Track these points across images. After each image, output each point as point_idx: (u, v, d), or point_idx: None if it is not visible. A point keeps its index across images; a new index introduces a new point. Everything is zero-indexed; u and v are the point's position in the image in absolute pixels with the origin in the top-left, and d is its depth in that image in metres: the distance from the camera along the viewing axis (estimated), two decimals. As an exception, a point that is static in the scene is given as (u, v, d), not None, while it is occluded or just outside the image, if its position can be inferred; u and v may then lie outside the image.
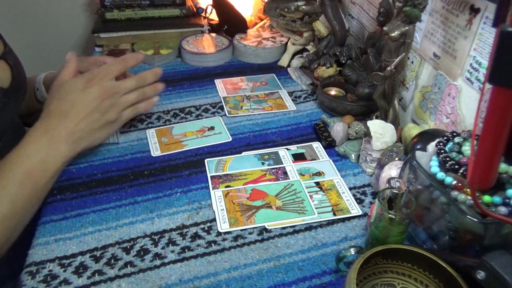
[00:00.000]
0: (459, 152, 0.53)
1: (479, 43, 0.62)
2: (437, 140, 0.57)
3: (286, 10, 1.09)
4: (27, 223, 0.63)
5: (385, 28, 0.71)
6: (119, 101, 0.71)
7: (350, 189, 0.70)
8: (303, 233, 0.62)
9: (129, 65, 0.75)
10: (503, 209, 0.47)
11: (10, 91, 0.70)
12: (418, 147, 0.65)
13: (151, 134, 0.83)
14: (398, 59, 0.71)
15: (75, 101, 0.67)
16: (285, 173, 0.73)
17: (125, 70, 0.75)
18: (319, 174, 0.73)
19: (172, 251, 0.59)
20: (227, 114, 0.89)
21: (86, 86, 0.69)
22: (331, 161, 0.76)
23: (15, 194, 0.59)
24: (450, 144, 0.55)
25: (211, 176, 0.72)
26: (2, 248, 0.59)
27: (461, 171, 0.51)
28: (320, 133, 0.81)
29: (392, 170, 0.64)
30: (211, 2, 1.19)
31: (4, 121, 0.69)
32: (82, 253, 0.59)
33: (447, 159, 0.53)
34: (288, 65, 1.08)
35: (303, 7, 1.09)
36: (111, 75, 0.71)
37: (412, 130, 0.73)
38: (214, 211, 0.65)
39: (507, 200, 0.48)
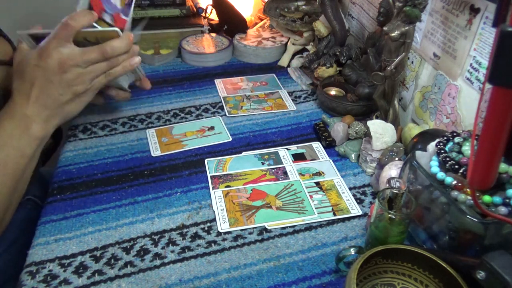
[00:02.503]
0: (459, 152, 0.53)
1: (479, 43, 0.61)
2: (437, 140, 0.57)
3: (286, 10, 1.09)
4: (15, 208, 0.62)
5: (385, 28, 0.71)
6: (84, 72, 0.65)
7: (350, 189, 0.70)
8: (303, 233, 0.62)
9: (78, 24, 0.64)
10: (503, 209, 0.47)
11: None
12: (418, 147, 0.65)
13: (151, 134, 0.83)
14: (398, 59, 0.71)
15: (33, 78, 0.62)
16: (285, 173, 0.73)
17: (76, 31, 0.64)
18: (319, 174, 0.73)
19: (172, 251, 0.59)
20: (227, 114, 0.89)
21: (40, 59, 0.62)
22: (331, 161, 0.76)
23: None
24: (450, 144, 0.55)
25: (211, 176, 0.72)
26: None
27: (461, 171, 0.51)
28: (320, 133, 0.81)
29: (392, 170, 0.64)
30: (211, 2, 1.19)
31: None
32: (82, 253, 0.59)
33: (447, 159, 0.53)
34: (288, 65, 1.08)
35: (303, 7, 1.09)
36: (64, 40, 0.63)
37: (412, 130, 0.73)
38: (214, 211, 0.65)
39: (507, 200, 0.48)
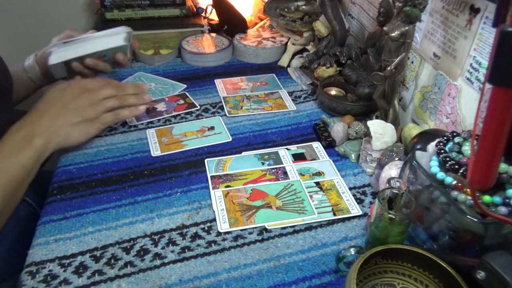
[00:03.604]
0: (459, 152, 0.53)
1: (479, 43, 0.61)
2: (437, 140, 0.57)
3: (286, 10, 1.09)
4: (8, 218, 0.64)
5: (385, 28, 0.71)
6: (97, 101, 0.73)
7: (350, 189, 0.70)
8: (303, 233, 0.62)
9: (128, 92, 0.79)
10: (503, 209, 0.47)
11: None
12: (418, 147, 0.65)
13: (151, 134, 0.83)
14: (398, 59, 0.71)
15: (55, 99, 0.71)
16: (285, 173, 0.73)
17: (116, 94, 0.77)
18: (319, 174, 0.73)
19: (172, 251, 0.59)
20: (227, 114, 0.89)
21: (69, 85, 0.73)
22: (331, 161, 0.76)
23: None
24: (450, 144, 0.55)
25: (211, 176, 0.72)
26: None
27: (461, 171, 0.51)
28: (320, 133, 0.81)
29: (392, 170, 0.64)
30: (211, 2, 1.19)
31: None
32: (82, 253, 0.59)
33: (447, 159, 0.53)
34: (288, 65, 1.08)
35: (303, 7, 1.09)
36: (97, 85, 0.75)
37: (412, 130, 0.73)
38: (214, 211, 0.65)
39: (507, 200, 0.48)
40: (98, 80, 0.78)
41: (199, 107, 0.89)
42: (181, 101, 0.92)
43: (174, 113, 0.88)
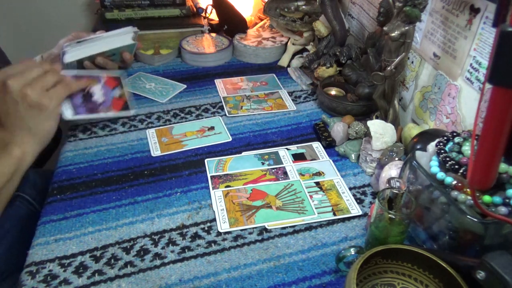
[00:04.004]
0: (459, 152, 0.53)
1: (479, 43, 0.61)
2: (437, 140, 0.57)
3: (286, 10, 1.09)
4: None
5: (385, 28, 0.70)
6: (29, 83, 0.66)
7: (350, 189, 0.70)
8: (303, 233, 0.62)
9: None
10: (503, 209, 0.47)
11: None
12: (418, 147, 0.65)
13: (151, 134, 0.83)
14: (398, 59, 0.71)
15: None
16: (285, 173, 0.73)
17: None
18: (319, 174, 0.73)
19: (172, 251, 0.59)
20: (227, 114, 0.89)
21: None
22: (331, 161, 0.76)
23: None
24: (450, 144, 0.55)
25: (211, 176, 0.72)
26: None
27: (461, 171, 0.51)
28: (320, 133, 0.81)
29: (392, 170, 0.64)
30: (211, 2, 1.19)
31: None
32: (82, 253, 0.59)
33: (447, 159, 0.53)
34: (288, 65, 1.08)
35: (303, 7, 1.09)
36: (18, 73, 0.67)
37: (412, 130, 0.73)
38: (214, 211, 0.65)
39: (507, 200, 0.48)
40: (15, 67, 0.69)
41: (133, 114, 0.84)
42: (117, 92, 0.81)
43: (111, 113, 0.80)
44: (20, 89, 0.66)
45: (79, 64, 0.82)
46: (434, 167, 0.54)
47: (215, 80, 1.01)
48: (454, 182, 0.51)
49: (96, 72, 0.81)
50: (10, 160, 0.65)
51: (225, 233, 0.62)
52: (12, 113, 0.66)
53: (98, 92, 0.79)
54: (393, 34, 0.68)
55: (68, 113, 0.74)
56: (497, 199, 0.48)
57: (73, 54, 0.81)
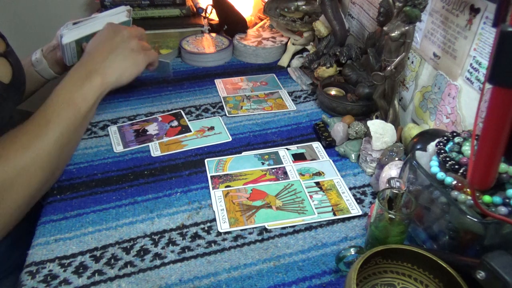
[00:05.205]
0: (459, 152, 0.53)
1: (479, 43, 0.61)
2: (437, 140, 0.57)
3: (286, 10, 1.09)
4: (72, 155, 0.72)
5: (385, 28, 0.71)
6: (130, 35, 0.78)
7: (350, 189, 0.70)
8: (303, 233, 0.62)
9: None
10: (503, 209, 0.47)
11: (10, 87, 0.72)
12: (418, 147, 0.65)
13: (151, 134, 0.83)
14: (398, 59, 0.71)
15: (102, 40, 0.77)
16: (285, 173, 0.73)
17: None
18: (319, 174, 0.73)
19: (172, 251, 0.59)
20: (227, 114, 0.89)
21: (114, 30, 0.79)
22: (331, 161, 0.76)
23: (63, 118, 0.65)
24: (450, 144, 0.55)
25: (211, 176, 0.72)
26: (48, 181, 0.65)
27: (461, 171, 0.51)
28: (320, 133, 0.81)
29: (392, 170, 0.64)
30: (211, 2, 1.19)
31: (3, 113, 0.71)
32: (82, 253, 0.59)
33: (447, 159, 0.53)
34: (288, 65, 1.08)
35: (303, 7, 1.09)
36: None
37: (412, 130, 0.73)
38: (214, 211, 0.65)
39: (507, 200, 0.48)
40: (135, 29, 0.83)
41: (192, 132, 0.83)
42: (175, 123, 0.86)
43: (165, 139, 0.81)
44: (131, 36, 0.78)
45: (79, 46, 0.84)
46: (434, 167, 0.54)
47: (215, 80, 1.01)
48: (454, 182, 0.51)
49: None
50: (91, 91, 0.70)
51: (225, 233, 0.62)
52: (114, 49, 0.75)
53: (152, 128, 0.84)
54: (393, 34, 0.68)
55: None
56: (497, 199, 0.48)
57: (70, 35, 0.83)
